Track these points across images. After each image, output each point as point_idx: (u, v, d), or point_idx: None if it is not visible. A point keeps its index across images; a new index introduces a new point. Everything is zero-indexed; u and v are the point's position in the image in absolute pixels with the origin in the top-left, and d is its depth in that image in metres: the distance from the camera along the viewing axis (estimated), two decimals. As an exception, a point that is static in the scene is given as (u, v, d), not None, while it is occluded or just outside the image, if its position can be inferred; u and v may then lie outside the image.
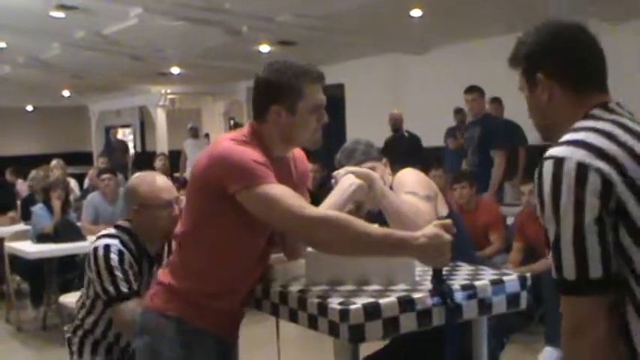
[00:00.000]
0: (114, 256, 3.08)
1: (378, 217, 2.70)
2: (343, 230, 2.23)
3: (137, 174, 3.40)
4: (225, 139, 2.43)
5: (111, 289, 3.07)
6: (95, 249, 3.13)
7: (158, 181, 3.20)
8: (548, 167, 1.62)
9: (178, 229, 2.59)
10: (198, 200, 2.48)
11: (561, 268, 1.63)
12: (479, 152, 7.76)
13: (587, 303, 1.61)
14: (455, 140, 10.17)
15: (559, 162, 1.61)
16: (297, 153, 2.70)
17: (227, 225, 2.43)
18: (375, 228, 2.28)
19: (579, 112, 1.75)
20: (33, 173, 8.77)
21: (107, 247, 3.10)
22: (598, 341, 1.61)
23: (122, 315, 3.07)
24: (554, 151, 1.64)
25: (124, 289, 3.06)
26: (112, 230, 3.21)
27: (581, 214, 1.57)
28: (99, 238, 3.20)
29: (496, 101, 9.12)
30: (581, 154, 1.60)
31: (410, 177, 2.97)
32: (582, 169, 1.58)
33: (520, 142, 8.83)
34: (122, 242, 3.13)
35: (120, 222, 3.26)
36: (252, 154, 2.34)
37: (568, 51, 1.79)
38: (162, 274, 2.62)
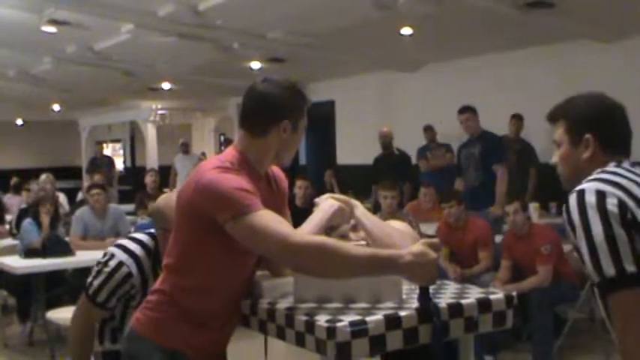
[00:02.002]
0: (118, 277, 3.11)
1: None
2: (329, 255, 2.24)
3: (164, 195, 3.37)
4: (209, 168, 2.40)
5: (93, 286, 3.13)
6: (112, 256, 3.15)
7: None
8: (572, 198, 2.00)
9: (166, 260, 2.59)
10: (186, 230, 2.48)
11: (601, 269, 1.90)
12: (482, 169, 7.79)
13: (631, 294, 1.88)
14: (426, 162, 10.26)
15: (581, 192, 1.99)
16: (277, 171, 2.71)
17: (216, 253, 2.44)
18: (360, 249, 2.30)
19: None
20: (34, 186, 8.79)
21: (120, 265, 3.12)
22: None
23: (78, 312, 3.22)
24: (575, 189, 2.02)
25: (100, 299, 3.12)
26: (137, 247, 3.18)
27: (608, 221, 1.91)
28: (124, 248, 3.18)
29: (516, 117, 9.23)
30: (597, 185, 1.99)
31: (395, 223, 3.05)
32: (600, 193, 1.96)
33: (531, 163, 8.93)
34: (138, 264, 3.13)
35: (149, 234, 3.24)
36: (238, 182, 2.33)
37: (615, 123, 2.21)
38: (152, 300, 2.59)
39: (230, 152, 2.52)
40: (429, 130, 10.69)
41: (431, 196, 7.80)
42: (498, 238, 6.70)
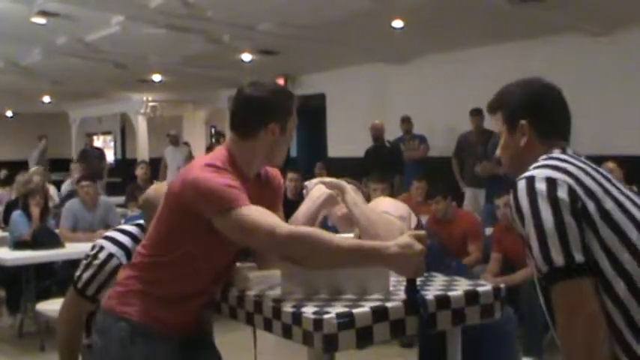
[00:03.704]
0: (108, 269, 3.07)
1: None
2: (316, 246, 2.26)
3: (154, 186, 3.36)
4: (199, 165, 2.45)
5: (82, 279, 3.10)
6: (101, 248, 3.12)
7: None
8: (522, 185, 1.95)
9: (143, 243, 2.63)
10: (170, 218, 2.50)
11: (551, 259, 1.86)
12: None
13: (578, 284, 1.85)
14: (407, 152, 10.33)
15: (531, 179, 1.94)
16: (269, 169, 2.73)
17: (199, 244, 2.47)
18: (347, 240, 2.33)
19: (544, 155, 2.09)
20: (19, 177, 8.73)
21: (109, 257, 3.09)
22: (592, 315, 1.84)
23: (66, 305, 3.17)
24: (524, 175, 1.98)
25: (90, 292, 3.09)
26: (126, 238, 3.15)
27: (558, 209, 1.87)
28: (113, 239, 3.15)
29: (477, 113, 9.19)
30: (547, 172, 1.95)
31: (385, 201, 3.09)
32: (551, 180, 1.92)
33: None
34: (128, 255, 3.09)
35: (137, 225, 3.22)
36: (224, 179, 2.37)
37: (551, 109, 2.16)
38: (121, 278, 2.65)
39: (220, 151, 2.56)
40: (405, 121, 10.72)
41: (422, 190, 7.81)
42: (488, 231, 6.72)
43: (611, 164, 7.10)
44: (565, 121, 2.18)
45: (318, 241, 2.27)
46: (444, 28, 9.39)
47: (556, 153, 2.06)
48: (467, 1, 7.80)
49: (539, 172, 1.95)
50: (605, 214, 1.89)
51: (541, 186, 1.91)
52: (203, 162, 2.46)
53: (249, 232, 2.33)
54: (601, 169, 2.04)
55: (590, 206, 1.89)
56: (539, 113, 2.14)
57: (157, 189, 3.18)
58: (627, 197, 1.97)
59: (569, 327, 1.87)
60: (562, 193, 1.89)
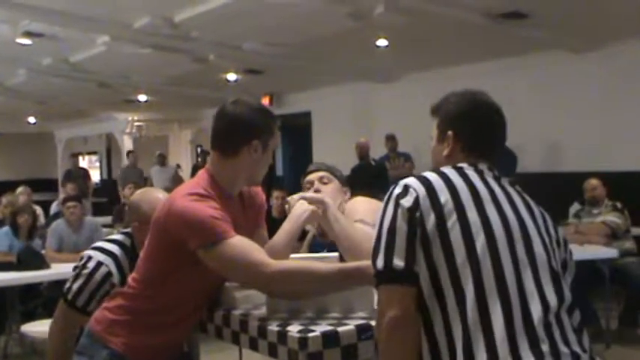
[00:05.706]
0: (98, 277, 3.05)
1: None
2: (300, 279, 2.31)
3: (140, 190, 3.36)
4: (182, 195, 2.44)
5: (72, 290, 3.08)
6: (89, 257, 3.10)
7: (160, 198, 3.09)
8: (390, 189, 2.02)
9: (134, 273, 2.64)
10: (157, 247, 2.52)
11: (375, 261, 1.94)
12: None
13: (390, 290, 1.91)
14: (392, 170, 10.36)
15: (395, 185, 2.01)
16: (252, 187, 2.74)
17: (187, 272, 2.48)
18: (328, 266, 2.34)
19: None
20: (4, 200, 8.71)
21: (98, 265, 3.07)
22: (394, 319, 1.87)
23: (56, 320, 3.12)
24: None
25: (80, 303, 3.06)
26: (114, 246, 3.14)
27: (396, 216, 1.93)
28: (100, 249, 3.14)
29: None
30: (410, 180, 2.00)
31: (361, 205, 3.05)
32: (406, 187, 1.97)
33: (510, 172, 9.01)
34: (116, 263, 3.10)
35: (124, 234, 3.22)
36: (208, 210, 2.37)
37: (478, 125, 2.15)
38: (111, 303, 2.67)
39: (202, 176, 2.57)
40: (390, 139, 10.78)
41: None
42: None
43: (594, 181, 7.13)
44: (491, 140, 2.16)
45: (303, 273, 2.32)
46: (428, 46, 9.46)
47: (449, 166, 2.06)
48: (450, 19, 7.85)
49: (406, 180, 2.01)
50: (442, 231, 1.89)
51: (396, 191, 1.97)
52: (185, 191, 2.46)
53: (232, 269, 2.36)
54: (507, 189, 2.06)
55: (430, 219, 1.90)
56: (465, 128, 2.14)
57: (143, 193, 3.21)
58: (505, 227, 1.92)
59: (376, 329, 1.98)
60: (405, 201, 1.93)
